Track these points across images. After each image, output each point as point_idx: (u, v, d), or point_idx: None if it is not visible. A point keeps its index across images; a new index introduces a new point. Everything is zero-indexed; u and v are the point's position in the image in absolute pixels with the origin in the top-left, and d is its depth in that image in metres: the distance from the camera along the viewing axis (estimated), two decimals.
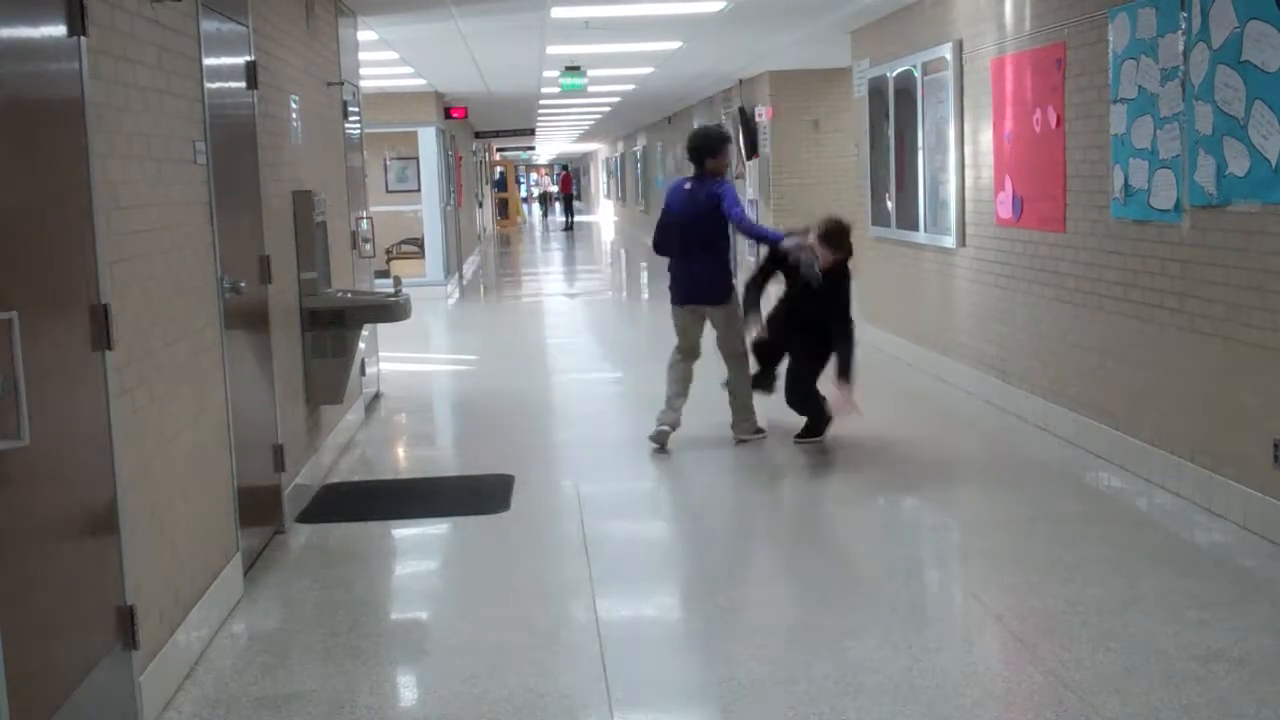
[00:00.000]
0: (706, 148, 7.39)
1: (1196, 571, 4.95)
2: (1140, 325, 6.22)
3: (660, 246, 7.49)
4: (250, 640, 4.56)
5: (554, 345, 13.17)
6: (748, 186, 16.74)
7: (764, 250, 7.47)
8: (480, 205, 29.66)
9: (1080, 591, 4.71)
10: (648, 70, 14.98)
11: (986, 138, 8.20)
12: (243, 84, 5.63)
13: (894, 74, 10.08)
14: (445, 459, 7.94)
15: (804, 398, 7.16)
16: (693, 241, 7.27)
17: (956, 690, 3.85)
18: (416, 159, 17.66)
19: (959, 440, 7.49)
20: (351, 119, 8.82)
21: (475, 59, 12.97)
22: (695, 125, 20.81)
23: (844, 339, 6.90)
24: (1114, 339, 6.50)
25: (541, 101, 19.54)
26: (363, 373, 8.62)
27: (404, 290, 7.50)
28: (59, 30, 3.46)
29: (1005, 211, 7.92)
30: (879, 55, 10.61)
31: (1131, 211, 6.24)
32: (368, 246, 9.08)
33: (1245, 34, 5.14)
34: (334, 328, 6.85)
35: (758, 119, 16.04)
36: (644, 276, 21.56)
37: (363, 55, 10.06)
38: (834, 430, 7.18)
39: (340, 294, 7.25)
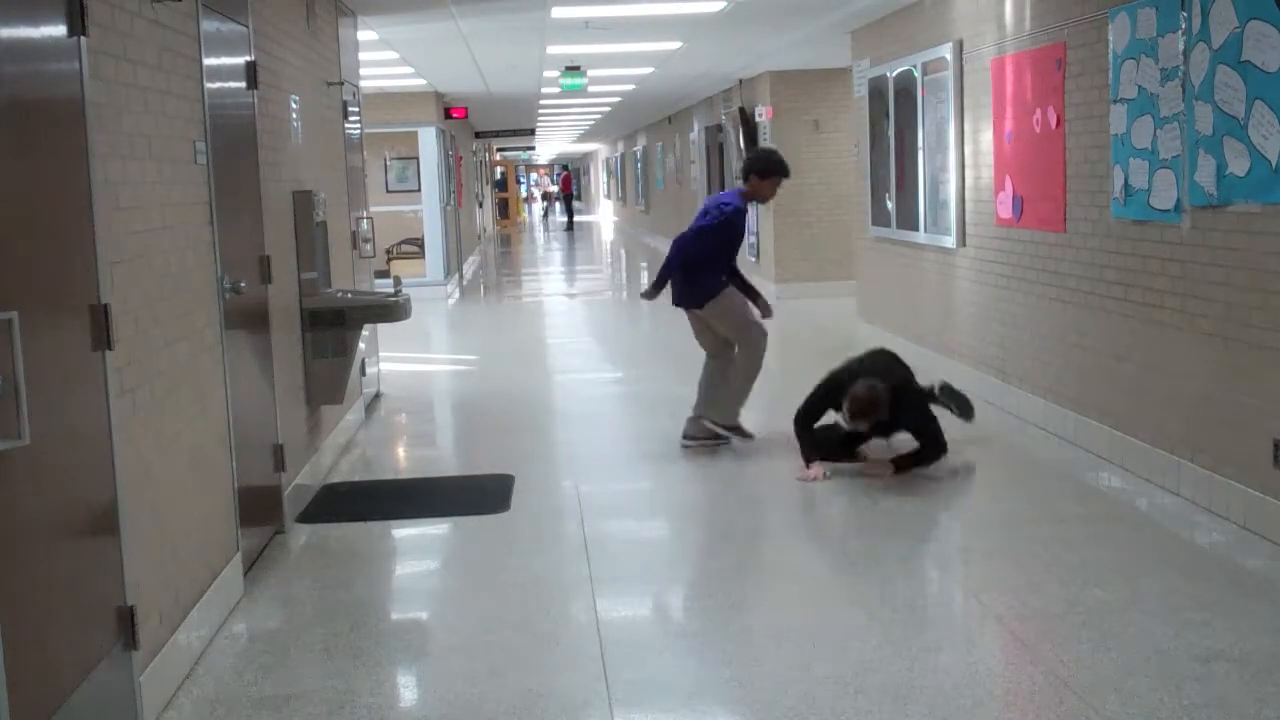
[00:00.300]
0: (755, 166, 7.42)
1: (1197, 572, 4.94)
2: (1140, 325, 6.22)
3: None
4: (250, 640, 4.56)
5: (554, 345, 13.17)
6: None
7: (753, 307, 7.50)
8: (480, 205, 29.66)
9: (1080, 592, 4.71)
10: (648, 70, 14.98)
11: (986, 138, 8.20)
12: (243, 84, 5.63)
13: (894, 74, 10.08)
14: (445, 459, 7.94)
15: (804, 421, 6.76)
16: (688, 242, 7.36)
17: (957, 690, 3.85)
18: (416, 159, 17.66)
19: (959, 440, 7.48)
20: (351, 119, 8.82)
21: (475, 59, 12.97)
22: (696, 125, 20.86)
23: (934, 447, 6.46)
24: (1114, 339, 6.50)
25: (541, 101, 19.54)
26: (363, 373, 8.62)
27: (404, 290, 7.50)
28: (59, 30, 3.46)
29: (1005, 211, 7.92)
30: (879, 55, 10.61)
31: (1132, 211, 6.24)
32: (368, 246, 9.08)
33: (1245, 34, 5.14)
34: (334, 328, 6.86)
35: (758, 119, 16.04)
36: (644, 276, 21.57)
37: (363, 55, 10.06)
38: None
39: (340, 294, 7.25)
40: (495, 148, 36.48)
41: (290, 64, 6.78)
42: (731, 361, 7.44)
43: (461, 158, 22.06)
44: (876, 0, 9.61)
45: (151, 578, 3.94)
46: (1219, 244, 5.49)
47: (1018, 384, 7.78)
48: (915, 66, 9.53)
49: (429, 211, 17.36)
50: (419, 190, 17.56)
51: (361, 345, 7.72)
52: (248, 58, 5.72)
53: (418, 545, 6.00)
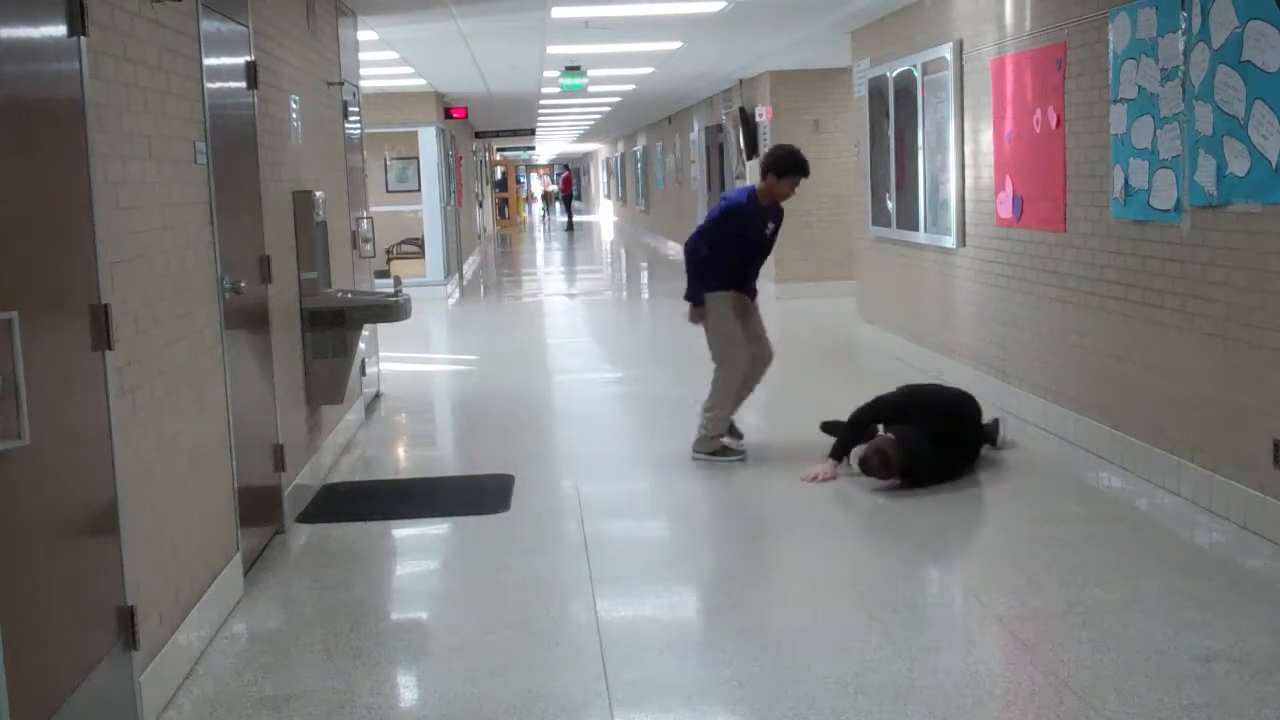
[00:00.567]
0: (772, 164, 7.07)
1: (1197, 572, 4.94)
2: (1140, 325, 6.22)
3: None
4: (250, 640, 4.56)
5: (554, 345, 13.17)
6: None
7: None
8: (480, 205, 29.66)
9: (1080, 592, 4.71)
10: (648, 70, 14.98)
11: (987, 138, 8.20)
12: (243, 84, 5.63)
13: (894, 74, 10.08)
14: (445, 459, 7.94)
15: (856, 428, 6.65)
16: (690, 242, 7.24)
17: (957, 690, 3.85)
18: (416, 159, 17.66)
19: None
20: (351, 119, 8.82)
21: (475, 59, 12.97)
22: (696, 125, 20.85)
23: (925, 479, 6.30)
24: (1114, 339, 6.50)
25: (541, 101, 19.54)
26: (363, 373, 8.62)
27: (404, 290, 7.50)
28: (59, 30, 3.46)
29: (1005, 211, 7.92)
30: (879, 55, 10.61)
31: (1132, 211, 6.24)
32: (368, 246, 9.08)
33: (1245, 34, 5.14)
34: (334, 328, 6.85)
35: (758, 119, 16.04)
36: (644, 276, 21.57)
37: (363, 55, 10.06)
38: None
39: (340, 294, 7.25)
40: (495, 148, 36.47)
41: (290, 64, 6.78)
42: (753, 367, 7.19)
43: (461, 158, 22.06)
44: (876, 0, 9.60)
45: (151, 578, 3.94)
46: (1219, 244, 5.49)
47: (1018, 384, 7.78)
48: (915, 66, 9.53)
49: (429, 211, 17.35)
50: (419, 190, 17.56)
51: (361, 345, 7.72)
52: (248, 58, 5.72)
53: (418, 545, 6.00)
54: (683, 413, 8.63)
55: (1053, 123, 7.12)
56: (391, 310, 7.19)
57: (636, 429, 8.40)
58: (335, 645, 4.44)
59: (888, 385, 7.01)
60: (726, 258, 7.12)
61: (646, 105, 21.68)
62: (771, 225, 7.22)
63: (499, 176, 44.25)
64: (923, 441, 6.27)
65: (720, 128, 18.77)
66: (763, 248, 7.28)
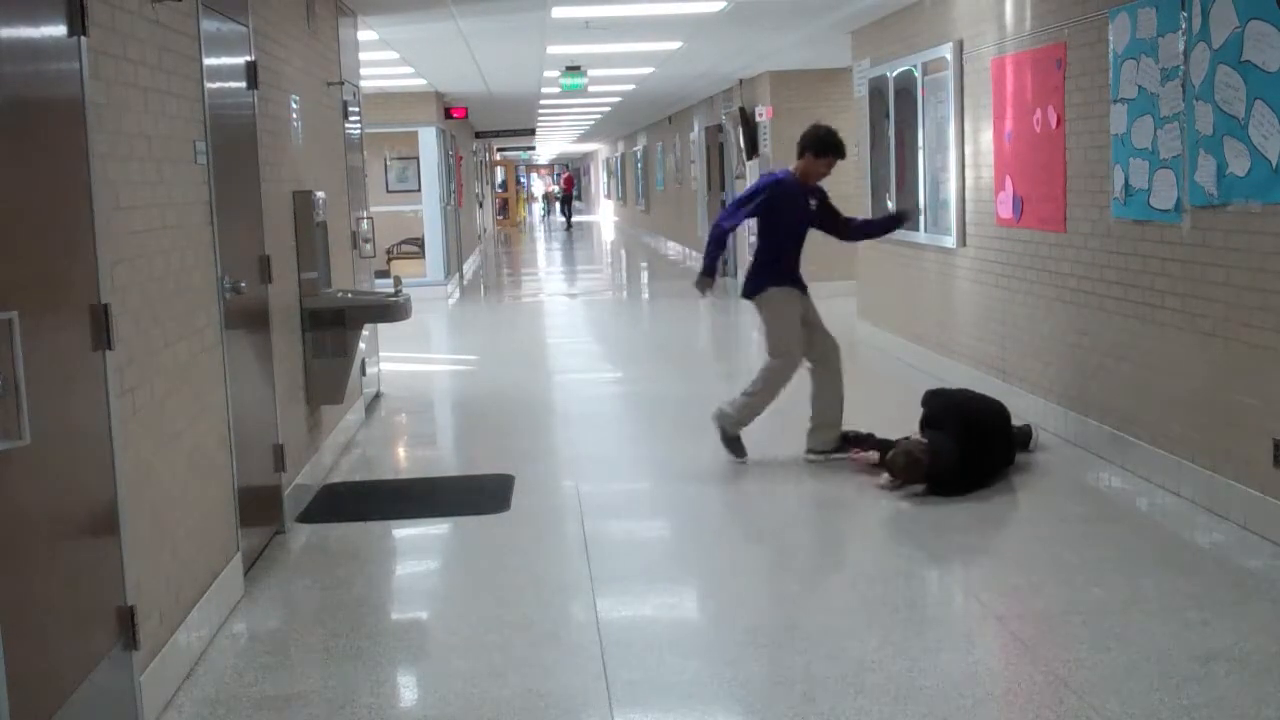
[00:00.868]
0: (809, 142, 6.94)
1: (1197, 572, 4.94)
2: (1140, 325, 6.22)
3: None
4: (250, 640, 4.56)
5: (554, 345, 13.18)
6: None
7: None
8: (480, 205, 29.66)
9: (1081, 592, 4.71)
10: (648, 70, 14.98)
11: (987, 138, 8.20)
12: (243, 84, 5.63)
13: (894, 74, 10.08)
14: (445, 459, 7.95)
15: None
16: (720, 217, 7.14)
17: (957, 690, 3.85)
18: (416, 159, 17.66)
19: None
20: (351, 119, 8.82)
21: (475, 59, 12.97)
22: (696, 125, 20.85)
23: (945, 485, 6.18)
24: (1114, 339, 6.50)
25: (542, 101, 19.54)
26: (363, 373, 8.62)
27: (404, 290, 7.50)
28: (59, 30, 3.46)
29: (1005, 211, 7.92)
30: (879, 55, 10.61)
31: (1132, 211, 6.24)
32: (368, 246, 9.08)
33: (1246, 34, 5.14)
34: (334, 328, 6.85)
35: (758, 119, 16.04)
36: (644, 276, 21.57)
37: (363, 55, 10.06)
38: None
39: (340, 294, 7.25)
40: (495, 148, 36.47)
41: (290, 64, 6.78)
42: (826, 368, 6.96)
43: (461, 158, 22.05)
44: (876, 0, 9.60)
45: (151, 578, 3.94)
46: (1219, 244, 5.48)
47: (1018, 384, 7.78)
48: (915, 66, 9.53)
49: (429, 211, 17.35)
50: (419, 190, 17.56)
51: (361, 345, 7.72)
52: (248, 58, 5.72)
53: (418, 545, 6.00)
54: (683, 412, 8.64)
55: (1053, 123, 7.12)
56: (391, 310, 7.19)
57: (636, 429, 8.40)
58: (335, 645, 4.44)
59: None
60: (777, 244, 6.94)
61: (646, 105, 21.67)
62: (814, 200, 7.06)
63: (500, 178, 44.24)
64: (954, 449, 6.16)
65: (720, 128, 18.77)
66: (809, 223, 7.06)
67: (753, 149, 16.34)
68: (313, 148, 7.27)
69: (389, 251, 17.98)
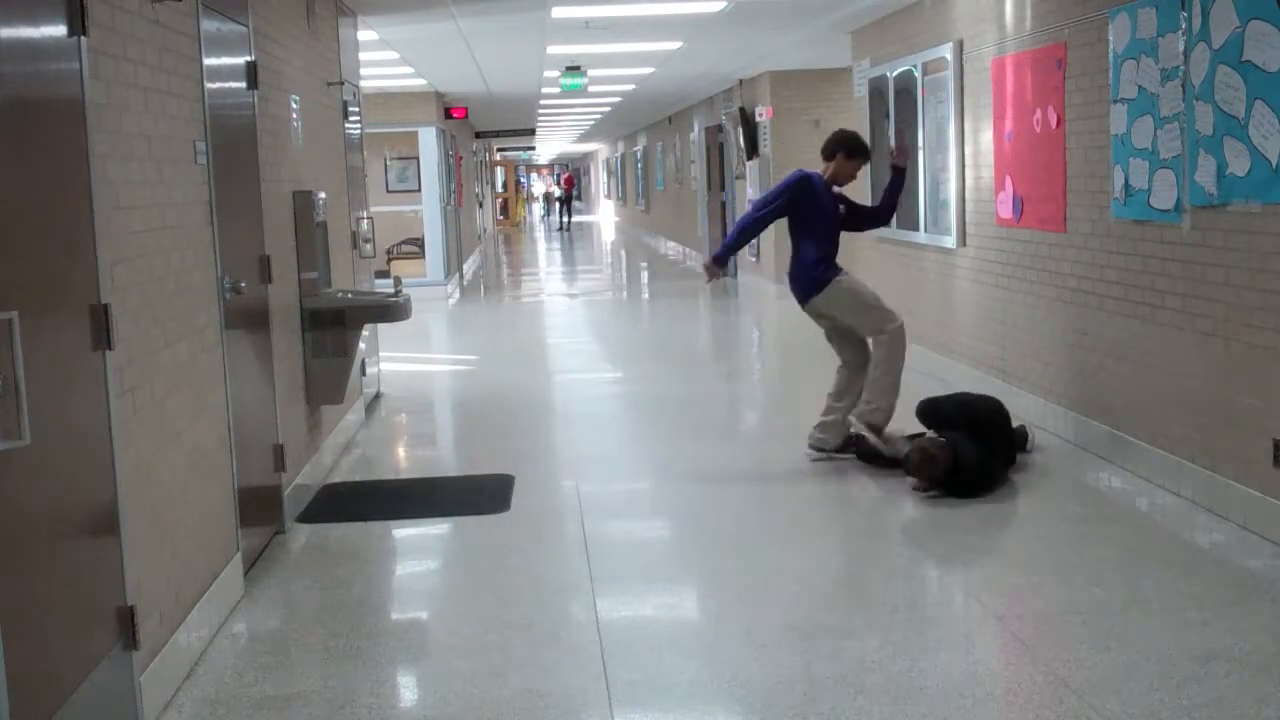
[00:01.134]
0: (841, 144, 6.95)
1: (1197, 572, 4.94)
2: (1140, 325, 6.22)
3: None
4: (250, 640, 4.56)
5: (554, 345, 13.18)
6: (748, 187, 16.75)
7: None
8: (480, 205, 29.66)
9: (1080, 592, 4.71)
10: (648, 70, 14.98)
11: (987, 138, 8.20)
12: (243, 84, 5.63)
13: (894, 74, 10.08)
14: (445, 459, 7.95)
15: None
16: (746, 214, 7.03)
17: (957, 690, 3.85)
18: (416, 159, 17.66)
19: None
20: (351, 119, 8.82)
21: (475, 59, 12.97)
22: (696, 125, 20.85)
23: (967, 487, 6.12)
24: (1114, 339, 6.50)
25: (542, 101, 19.54)
26: (363, 373, 8.62)
27: (404, 290, 7.50)
28: (59, 30, 3.46)
29: (1005, 211, 7.92)
30: (879, 55, 10.61)
31: (1132, 211, 6.24)
32: (368, 246, 9.08)
33: (1246, 34, 5.14)
34: (334, 328, 6.86)
35: (758, 119, 16.04)
36: (644, 277, 21.58)
37: (363, 55, 10.06)
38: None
39: (340, 294, 7.25)
40: (495, 148, 36.47)
41: (290, 64, 6.78)
42: (856, 373, 6.85)
43: (461, 158, 22.05)
44: (876, 0, 9.60)
45: (151, 578, 3.94)
46: (1219, 244, 5.48)
47: (1018, 384, 7.78)
48: (915, 66, 9.53)
49: (429, 211, 17.36)
50: (419, 190, 17.56)
51: (361, 345, 7.72)
52: (248, 58, 5.72)
53: (418, 545, 6.00)
54: (683, 412, 8.65)
55: (1053, 123, 7.12)
56: (391, 310, 7.19)
57: (636, 429, 8.40)
58: (335, 645, 4.44)
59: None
60: (815, 239, 6.80)
61: (646, 105, 21.68)
62: (842, 206, 7.04)
63: (500, 179, 44.22)
64: (972, 448, 6.13)
65: (720, 128, 18.77)
66: (839, 224, 6.99)
67: (753, 149, 16.34)
68: (313, 148, 7.27)
69: (389, 251, 17.99)
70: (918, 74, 9.49)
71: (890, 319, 6.76)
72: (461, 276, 20.37)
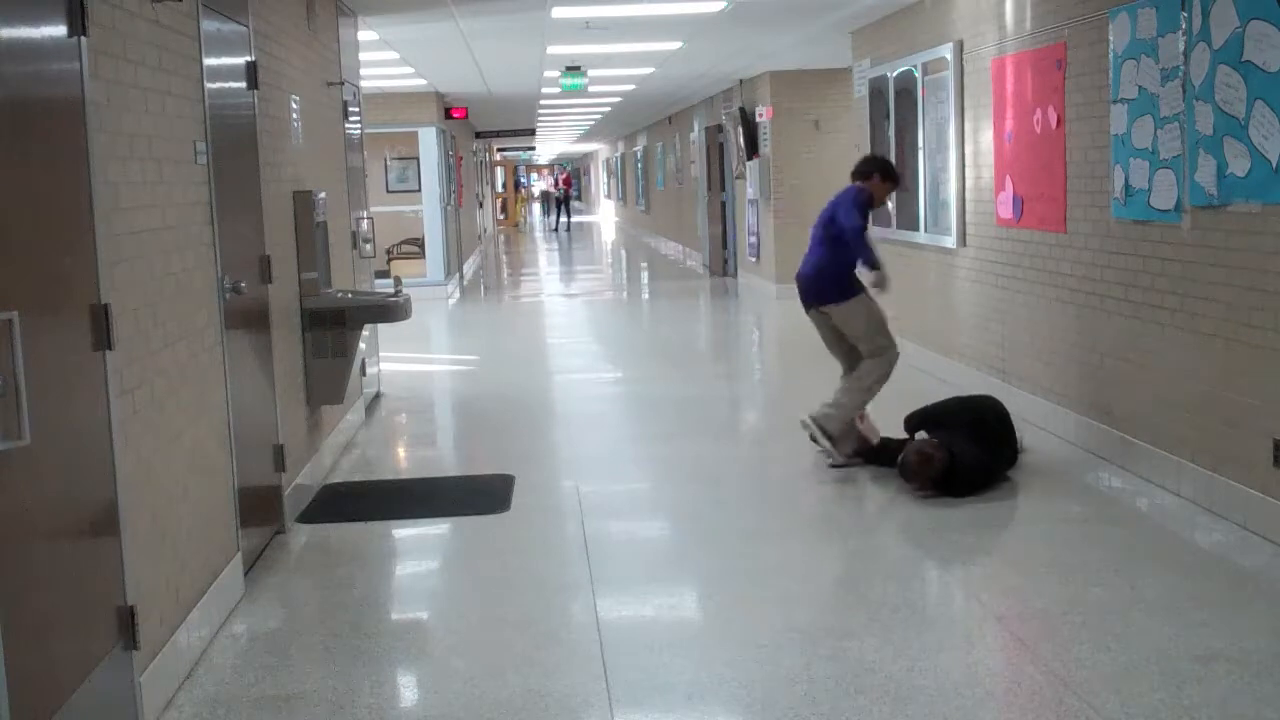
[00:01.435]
0: (879, 166, 7.02)
1: (1197, 572, 4.95)
2: (1141, 325, 6.22)
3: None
4: (251, 640, 4.56)
5: (554, 345, 13.17)
6: (748, 187, 16.75)
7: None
8: (480, 205, 29.66)
9: (1081, 592, 4.71)
10: (648, 70, 14.98)
11: (987, 138, 8.20)
12: (243, 84, 5.63)
13: (894, 74, 10.08)
14: (445, 459, 7.95)
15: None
16: (815, 237, 6.97)
17: (957, 691, 3.85)
18: (417, 159, 17.66)
19: None
20: (352, 119, 8.82)
21: (475, 59, 12.97)
22: (696, 125, 20.86)
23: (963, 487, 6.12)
24: (1114, 339, 6.50)
25: (542, 101, 19.54)
26: (363, 373, 8.62)
27: (404, 290, 7.50)
28: (59, 30, 3.46)
29: (1006, 212, 7.92)
30: (879, 55, 10.61)
31: (1132, 212, 6.24)
32: (368, 246, 9.08)
33: (1246, 34, 5.14)
34: (334, 328, 6.86)
35: (758, 119, 16.04)
36: (644, 277, 21.58)
37: (363, 55, 10.06)
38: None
39: (340, 294, 7.25)
40: (495, 148, 36.47)
41: (291, 64, 6.78)
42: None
43: (462, 158, 22.05)
44: (876, 0, 9.61)
45: (151, 578, 3.94)
46: (1219, 244, 5.48)
47: (1018, 384, 7.78)
48: (915, 66, 9.53)
49: (429, 211, 17.36)
50: (419, 190, 17.56)
51: (361, 345, 7.72)
52: (248, 58, 5.72)
53: (418, 545, 6.00)
54: (683, 412, 8.65)
55: (1053, 123, 7.12)
56: (391, 310, 7.19)
57: (636, 429, 8.40)
58: (335, 645, 4.44)
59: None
60: (846, 254, 6.81)
61: (646, 105, 21.67)
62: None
63: (500, 179, 44.21)
64: (969, 447, 6.13)
65: (720, 128, 18.77)
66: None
67: (753, 149, 16.34)
68: (313, 148, 7.27)
69: (389, 251, 17.99)
70: (918, 74, 9.49)
71: (890, 346, 6.87)
72: (462, 277, 20.37)
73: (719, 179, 19.25)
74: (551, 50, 12.36)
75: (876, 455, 6.62)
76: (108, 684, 3.55)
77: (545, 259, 27.86)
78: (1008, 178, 7.85)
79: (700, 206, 20.84)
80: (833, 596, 4.95)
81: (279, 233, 6.21)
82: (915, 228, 9.75)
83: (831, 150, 15.13)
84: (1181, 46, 5.67)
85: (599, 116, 25.22)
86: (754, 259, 16.54)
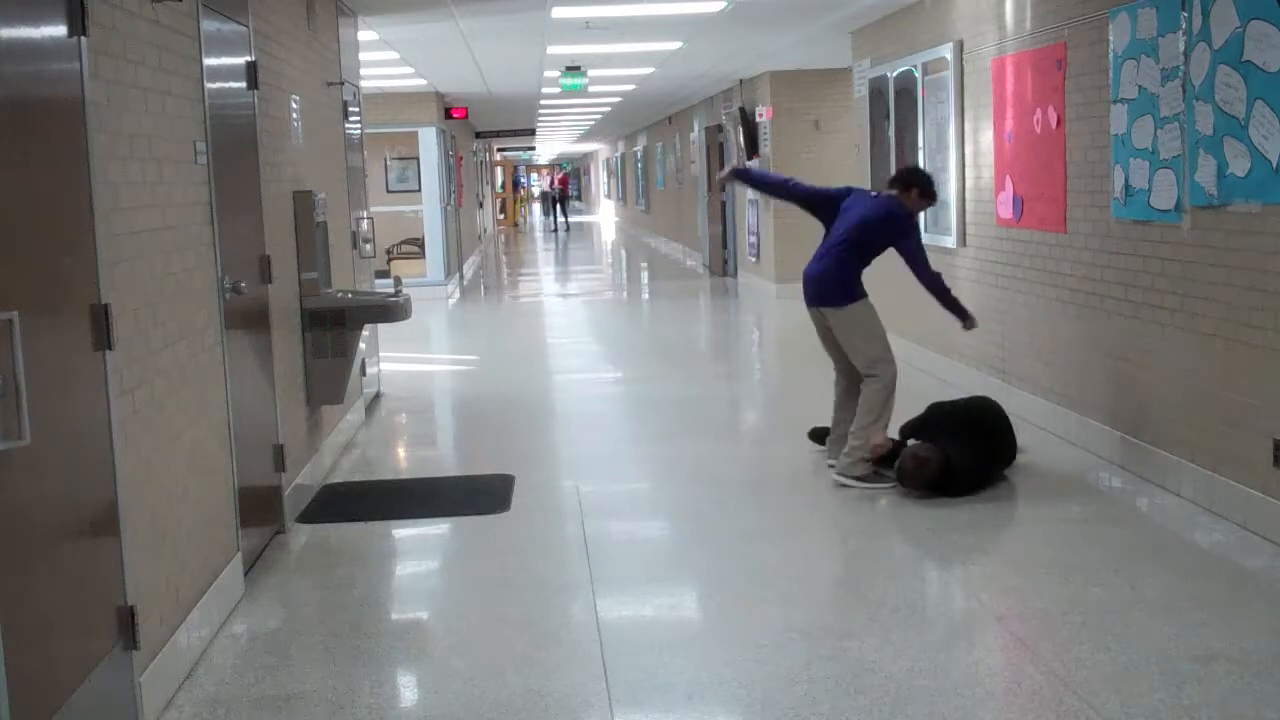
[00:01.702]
0: (916, 178, 6.83)
1: (1197, 572, 4.95)
2: (1141, 325, 6.22)
3: (789, 195, 7.04)
4: (250, 640, 4.56)
5: (554, 345, 13.17)
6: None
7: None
8: (481, 205, 29.67)
9: (1081, 592, 4.71)
10: (648, 70, 14.98)
11: (987, 138, 8.20)
12: (243, 84, 5.63)
13: (894, 74, 10.08)
14: (445, 459, 7.94)
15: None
16: (835, 235, 6.78)
17: (957, 690, 3.85)
18: (417, 159, 17.67)
19: None
20: (352, 119, 8.82)
21: (475, 59, 12.97)
22: (696, 125, 20.86)
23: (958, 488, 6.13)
24: (1114, 339, 6.50)
25: (542, 101, 19.54)
26: (363, 373, 8.62)
27: (404, 290, 7.50)
28: (59, 30, 3.46)
29: (1006, 212, 7.92)
30: (879, 55, 10.61)
31: (1132, 212, 6.24)
32: (368, 246, 9.08)
33: (1246, 34, 5.14)
34: (334, 328, 6.86)
35: (758, 119, 16.04)
36: (644, 277, 21.58)
37: (363, 55, 10.06)
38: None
39: (340, 294, 7.25)
40: (495, 148, 36.48)
41: (291, 64, 6.78)
42: (845, 394, 6.76)
43: (462, 158, 22.06)
44: (876, 0, 9.61)
45: (151, 578, 3.94)
46: (1219, 244, 5.49)
47: (1018, 384, 7.78)
48: (915, 66, 9.53)
49: (429, 212, 17.36)
50: (419, 190, 17.56)
51: (361, 345, 7.72)
52: (248, 58, 5.72)
53: (418, 545, 6.00)
54: (683, 412, 8.65)
55: (1053, 123, 7.12)
56: (391, 310, 7.19)
57: (636, 429, 8.40)
58: (335, 645, 4.44)
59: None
60: (864, 262, 6.80)
61: (646, 105, 21.68)
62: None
63: (500, 179, 44.20)
64: (963, 449, 6.13)
65: (720, 128, 18.77)
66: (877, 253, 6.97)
67: (753, 149, 16.34)
68: (313, 148, 7.27)
69: (389, 251, 17.99)
70: (918, 74, 9.49)
71: (888, 361, 6.61)
72: (461, 277, 20.37)
73: None
74: (551, 50, 12.36)
75: (881, 459, 6.60)
76: (108, 684, 3.55)
77: (545, 259, 27.86)
78: (1008, 178, 7.85)
79: (700, 206, 20.84)
80: (833, 596, 4.95)
81: (279, 233, 6.21)
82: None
83: (831, 150, 15.14)
84: (1181, 46, 5.67)
85: (599, 116, 25.22)
86: (754, 259, 16.54)
